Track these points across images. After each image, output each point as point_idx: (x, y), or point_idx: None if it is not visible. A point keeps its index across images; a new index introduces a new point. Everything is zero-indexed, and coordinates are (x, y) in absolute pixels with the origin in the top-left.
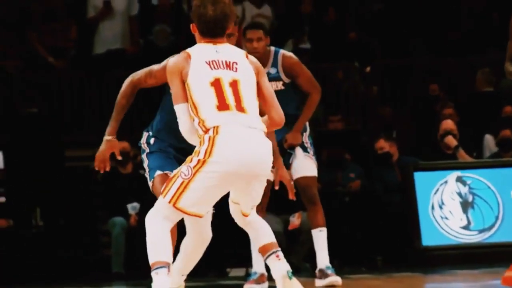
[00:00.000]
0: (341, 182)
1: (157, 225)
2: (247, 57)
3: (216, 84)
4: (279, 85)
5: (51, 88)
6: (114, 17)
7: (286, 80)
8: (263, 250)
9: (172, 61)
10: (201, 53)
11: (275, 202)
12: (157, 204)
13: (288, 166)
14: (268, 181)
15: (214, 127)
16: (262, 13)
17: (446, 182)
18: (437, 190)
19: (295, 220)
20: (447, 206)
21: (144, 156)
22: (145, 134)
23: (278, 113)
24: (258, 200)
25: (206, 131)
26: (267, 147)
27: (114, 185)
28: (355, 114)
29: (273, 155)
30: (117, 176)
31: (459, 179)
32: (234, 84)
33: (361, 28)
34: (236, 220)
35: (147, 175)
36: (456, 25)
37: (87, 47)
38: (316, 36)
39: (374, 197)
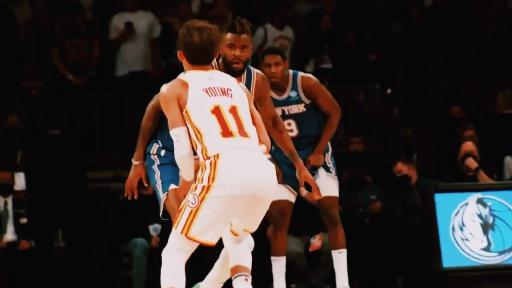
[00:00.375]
0: (362, 203)
1: (173, 257)
2: (238, 83)
3: (217, 111)
4: (301, 107)
5: (73, 109)
6: (136, 39)
7: (307, 101)
8: (235, 270)
9: (167, 89)
10: (197, 80)
11: (296, 224)
12: (170, 237)
13: (309, 186)
14: (289, 202)
15: (215, 155)
16: (284, 35)
17: (466, 203)
18: (458, 211)
19: (316, 241)
20: (468, 227)
21: (155, 167)
22: (155, 145)
23: (267, 137)
24: (255, 225)
25: (208, 158)
26: (270, 169)
27: (135, 206)
28: (376, 136)
29: (293, 157)
30: (138, 197)
31: (479, 201)
32: (233, 110)
33: (382, 49)
34: (223, 237)
35: (158, 186)
36: (476, 46)
37: (109, 69)
38: (336, 57)
39: (395, 219)
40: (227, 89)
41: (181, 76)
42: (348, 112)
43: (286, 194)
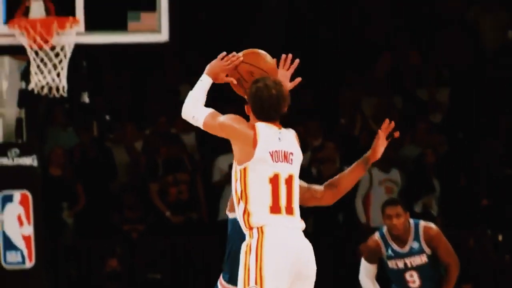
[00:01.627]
0: None
1: None
2: (297, 139)
3: (274, 181)
4: (423, 258)
5: (175, 253)
6: None
7: (429, 252)
8: None
9: (241, 121)
10: (267, 138)
11: None
12: None
13: None
14: None
15: (259, 228)
16: (390, 177)
17: None
18: None
19: None
20: None
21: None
22: None
23: None
24: None
25: (250, 229)
26: (310, 248)
27: None
28: (487, 283)
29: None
30: None
31: None
32: (289, 181)
33: (493, 193)
34: None
35: None
36: None
37: (213, 211)
38: (446, 200)
39: None
40: (290, 153)
41: (257, 126)
42: (458, 258)
43: None
